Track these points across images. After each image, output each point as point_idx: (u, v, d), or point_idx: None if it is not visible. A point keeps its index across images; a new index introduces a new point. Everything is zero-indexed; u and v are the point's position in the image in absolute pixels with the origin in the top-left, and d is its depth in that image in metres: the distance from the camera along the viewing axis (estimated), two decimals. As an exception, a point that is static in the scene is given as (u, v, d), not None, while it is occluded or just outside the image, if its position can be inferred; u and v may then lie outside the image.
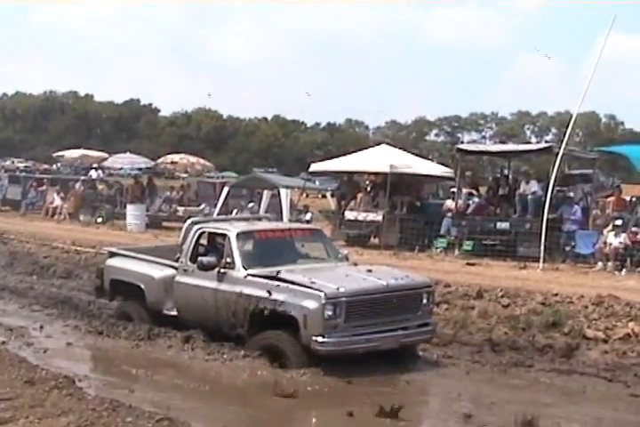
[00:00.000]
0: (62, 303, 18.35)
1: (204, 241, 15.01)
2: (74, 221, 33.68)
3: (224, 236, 14.31)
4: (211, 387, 12.35)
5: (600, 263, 20.56)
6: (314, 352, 12.48)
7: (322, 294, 12.42)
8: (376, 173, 27.07)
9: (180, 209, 34.07)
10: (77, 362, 13.65)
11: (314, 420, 11.94)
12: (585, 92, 21.12)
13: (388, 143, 31.78)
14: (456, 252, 23.27)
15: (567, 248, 22.12)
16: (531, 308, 15.81)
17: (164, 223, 32.84)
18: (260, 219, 17.86)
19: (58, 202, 36.12)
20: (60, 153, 48.70)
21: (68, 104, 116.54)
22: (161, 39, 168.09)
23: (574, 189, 25.28)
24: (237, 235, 14.13)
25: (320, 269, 14.00)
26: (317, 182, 45.44)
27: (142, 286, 15.19)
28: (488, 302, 16.41)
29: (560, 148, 21.88)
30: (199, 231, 14.84)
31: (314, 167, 27.69)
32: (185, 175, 47.98)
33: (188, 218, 17.23)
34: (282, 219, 25.81)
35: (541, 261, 20.25)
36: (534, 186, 23.76)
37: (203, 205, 33.38)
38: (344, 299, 12.52)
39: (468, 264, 20.99)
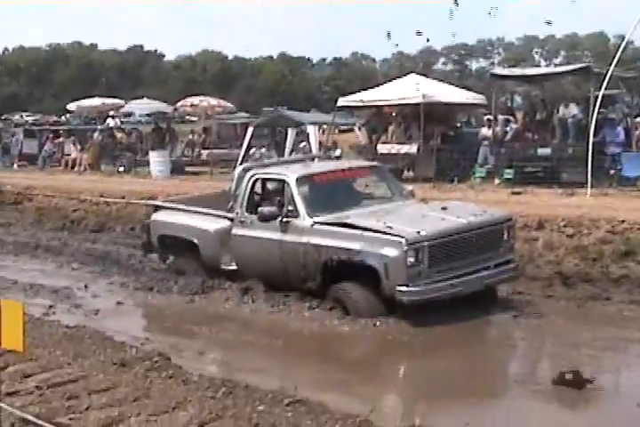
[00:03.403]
0: (102, 259, 17.53)
1: (258, 188, 13.92)
2: (95, 172, 32.91)
3: (282, 181, 13.22)
4: (284, 342, 11.46)
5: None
6: (397, 302, 11.53)
7: (402, 240, 11.34)
8: (404, 104, 26.16)
9: (204, 152, 33.49)
10: (133, 322, 12.92)
11: (401, 370, 11.15)
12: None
13: (416, 72, 30.61)
14: (496, 181, 22.70)
15: (612, 172, 21.41)
16: (599, 237, 15.02)
17: (188, 168, 32.19)
18: (313, 159, 16.32)
19: (76, 153, 35.39)
20: (74, 103, 46.71)
21: (72, 55, 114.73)
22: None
23: (615, 111, 24.44)
24: (297, 180, 13.00)
25: (390, 211, 12.91)
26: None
27: (196, 241, 14.22)
28: (551, 232, 15.62)
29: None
30: (253, 178, 13.71)
31: (342, 102, 26.67)
32: (195, 119, 46.89)
33: (236, 164, 16.31)
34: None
35: (589, 186, 19.46)
36: (574, 109, 23.03)
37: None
38: (426, 243, 11.45)
39: (513, 193, 20.26)
